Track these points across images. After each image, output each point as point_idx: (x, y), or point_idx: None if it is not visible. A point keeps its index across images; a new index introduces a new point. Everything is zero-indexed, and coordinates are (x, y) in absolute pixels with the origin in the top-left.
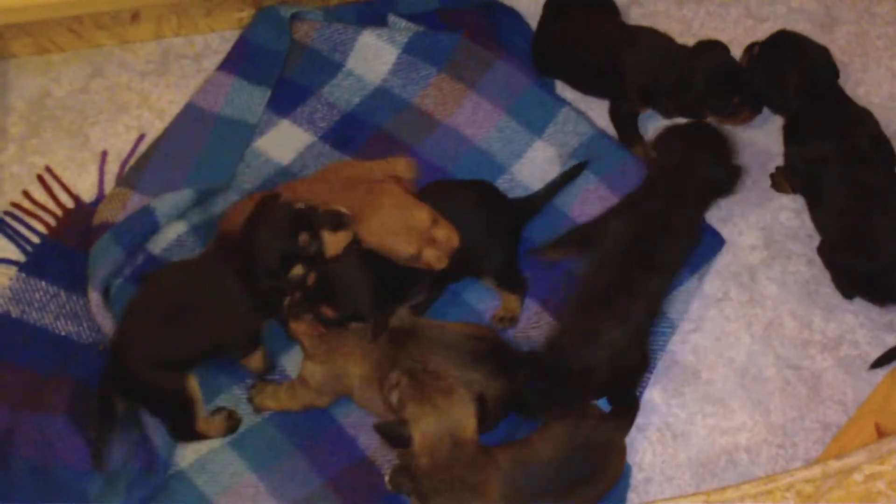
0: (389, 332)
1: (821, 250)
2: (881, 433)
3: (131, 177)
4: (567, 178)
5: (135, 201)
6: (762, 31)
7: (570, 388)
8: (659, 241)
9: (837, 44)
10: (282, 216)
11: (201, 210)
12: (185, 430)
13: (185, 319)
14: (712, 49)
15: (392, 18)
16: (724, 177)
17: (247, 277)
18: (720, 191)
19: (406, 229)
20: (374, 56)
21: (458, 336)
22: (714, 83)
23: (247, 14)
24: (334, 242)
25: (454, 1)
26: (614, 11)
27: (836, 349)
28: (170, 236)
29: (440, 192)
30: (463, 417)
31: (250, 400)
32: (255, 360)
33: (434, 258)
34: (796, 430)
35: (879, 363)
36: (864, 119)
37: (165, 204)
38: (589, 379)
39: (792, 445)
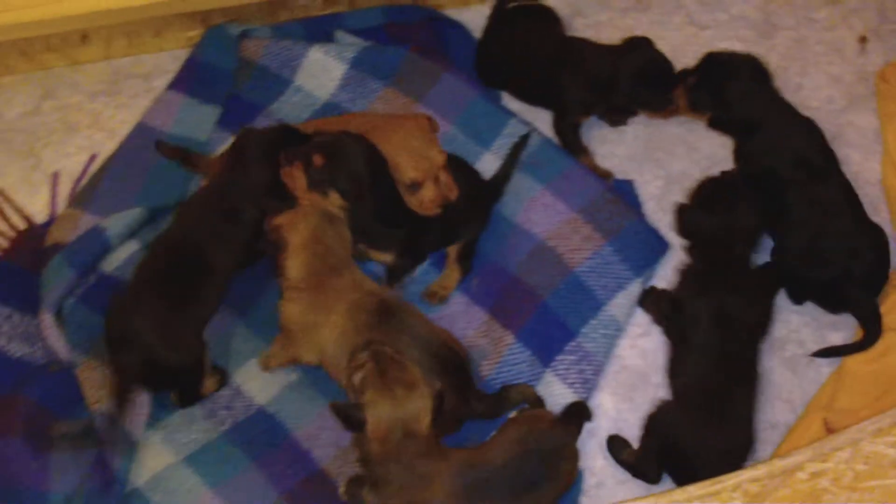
0: (378, 302)
1: (777, 258)
2: (830, 430)
3: (82, 197)
4: (517, 153)
5: (86, 221)
6: (704, 38)
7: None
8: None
9: (777, 50)
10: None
11: (152, 228)
12: (193, 396)
13: (194, 274)
14: (639, 46)
15: (339, 34)
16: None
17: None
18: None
19: (420, 156)
20: (322, 72)
21: (436, 339)
22: (645, 79)
23: (196, 33)
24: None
25: (400, 15)
26: (557, 23)
27: (781, 349)
28: (122, 256)
29: None
30: (419, 411)
31: (263, 365)
32: (210, 384)
33: (431, 196)
34: None
35: (821, 354)
36: (810, 129)
37: (116, 224)
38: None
39: None
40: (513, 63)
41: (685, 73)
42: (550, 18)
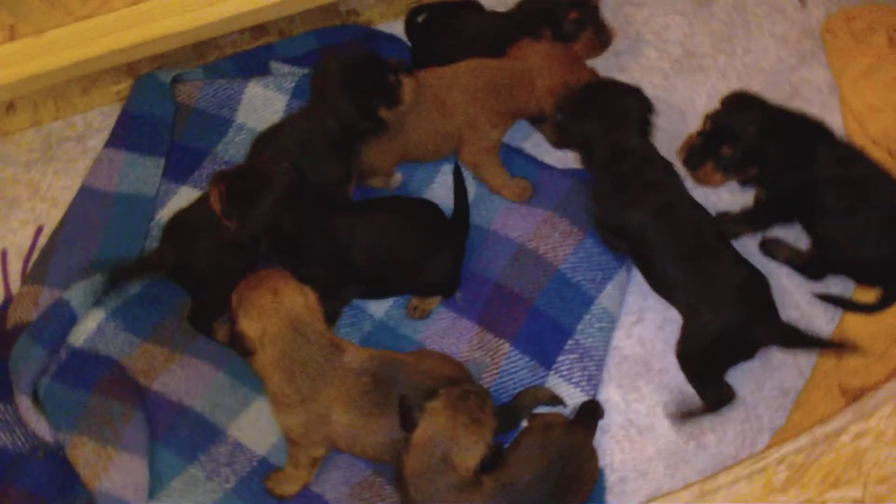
0: (372, 377)
1: (821, 250)
2: (845, 392)
3: (37, 272)
4: (461, 183)
5: (47, 296)
6: (643, 18)
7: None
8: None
9: (718, 17)
10: (365, 57)
11: (116, 293)
12: (203, 323)
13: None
14: None
15: (274, 65)
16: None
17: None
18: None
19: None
20: (263, 106)
21: (436, 382)
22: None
23: (124, 85)
24: (411, 88)
25: (333, 37)
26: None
27: (779, 315)
28: (90, 326)
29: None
30: (468, 448)
31: (271, 492)
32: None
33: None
34: (757, 402)
35: (827, 300)
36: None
37: (79, 293)
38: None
39: (756, 418)
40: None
41: (711, 145)
42: (478, 8)
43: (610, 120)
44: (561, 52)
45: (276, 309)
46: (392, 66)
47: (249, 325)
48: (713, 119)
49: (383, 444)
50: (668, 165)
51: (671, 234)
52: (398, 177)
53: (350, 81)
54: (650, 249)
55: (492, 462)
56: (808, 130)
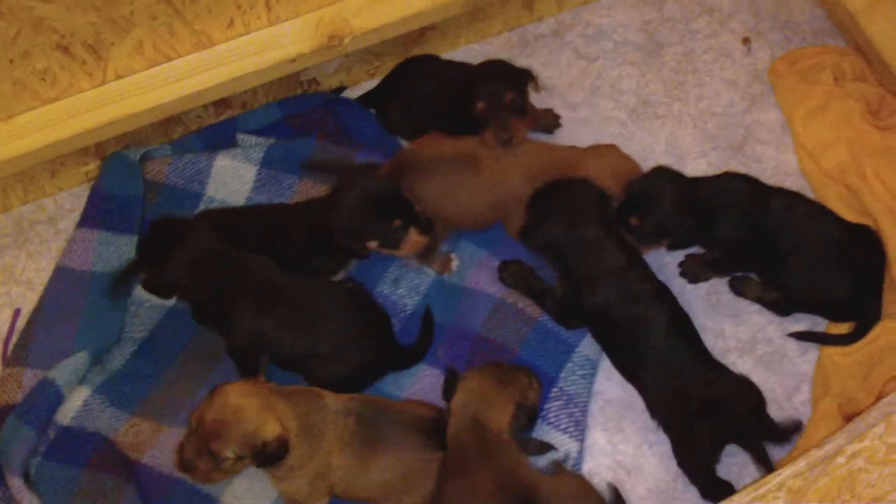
0: (357, 416)
1: (784, 295)
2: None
3: (19, 354)
4: (429, 323)
5: (30, 377)
6: (596, 70)
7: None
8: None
9: (668, 66)
10: (386, 192)
11: (100, 369)
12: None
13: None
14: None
15: (241, 137)
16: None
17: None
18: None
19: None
20: (233, 178)
21: (421, 420)
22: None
23: (93, 166)
24: (413, 243)
25: (296, 106)
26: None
27: (752, 350)
28: (76, 404)
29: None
30: (497, 405)
31: None
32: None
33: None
34: None
35: (801, 337)
36: (731, 176)
37: (64, 372)
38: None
39: (740, 451)
40: (425, 108)
41: (625, 216)
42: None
43: (570, 218)
44: (616, 157)
45: (266, 398)
46: (406, 212)
47: (273, 429)
48: (628, 188)
49: (376, 483)
50: (632, 252)
51: (627, 325)
52: (453, 262)
53: (357, 209)
54: (608, 334)
55: (529, 423)
56: (727, 196)
